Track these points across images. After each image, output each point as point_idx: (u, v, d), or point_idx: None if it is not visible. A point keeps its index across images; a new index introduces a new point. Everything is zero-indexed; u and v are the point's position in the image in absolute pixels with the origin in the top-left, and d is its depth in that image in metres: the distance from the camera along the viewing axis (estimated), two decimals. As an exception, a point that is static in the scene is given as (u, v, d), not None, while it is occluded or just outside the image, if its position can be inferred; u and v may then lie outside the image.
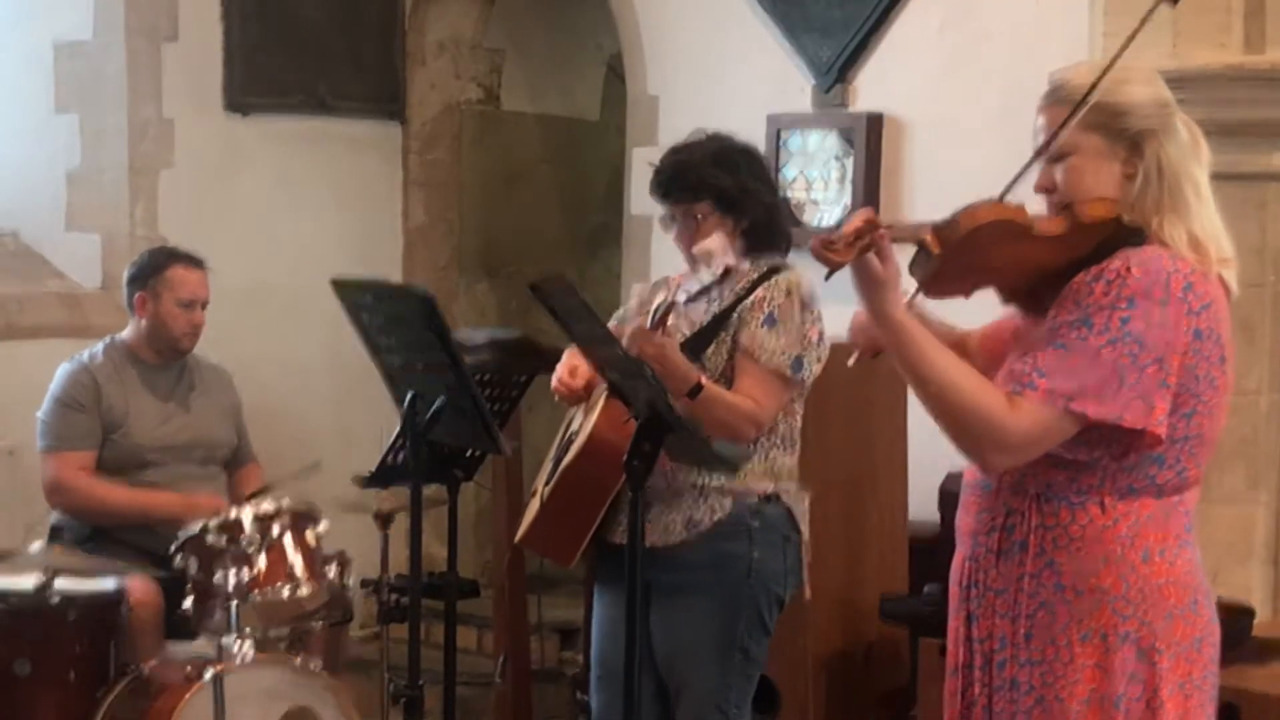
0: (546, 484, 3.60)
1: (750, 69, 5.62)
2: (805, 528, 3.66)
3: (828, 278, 2.47)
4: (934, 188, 5.17)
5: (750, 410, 3.47)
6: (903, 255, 2.50)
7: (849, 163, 5.34)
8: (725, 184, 3.61)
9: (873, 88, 5.37)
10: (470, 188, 6.86)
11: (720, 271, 3.47)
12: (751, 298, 3.54)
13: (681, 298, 3.57)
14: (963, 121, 5.13)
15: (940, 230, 2.45)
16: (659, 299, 3.70)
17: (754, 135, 5.39)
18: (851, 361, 2.79)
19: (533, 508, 3.68)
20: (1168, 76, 4.29)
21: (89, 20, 5.87)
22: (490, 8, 6.83)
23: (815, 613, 4.52)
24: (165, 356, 4.83)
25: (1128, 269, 2.44)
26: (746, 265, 3.59)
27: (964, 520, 2.67)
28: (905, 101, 5.29)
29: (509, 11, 6.87)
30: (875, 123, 5.31)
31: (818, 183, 5.43)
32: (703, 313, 3.60)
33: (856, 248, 2.42)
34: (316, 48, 6.28)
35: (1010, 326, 2.74)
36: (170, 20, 5.91)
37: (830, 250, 2.41)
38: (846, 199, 5.34)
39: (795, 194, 5.48)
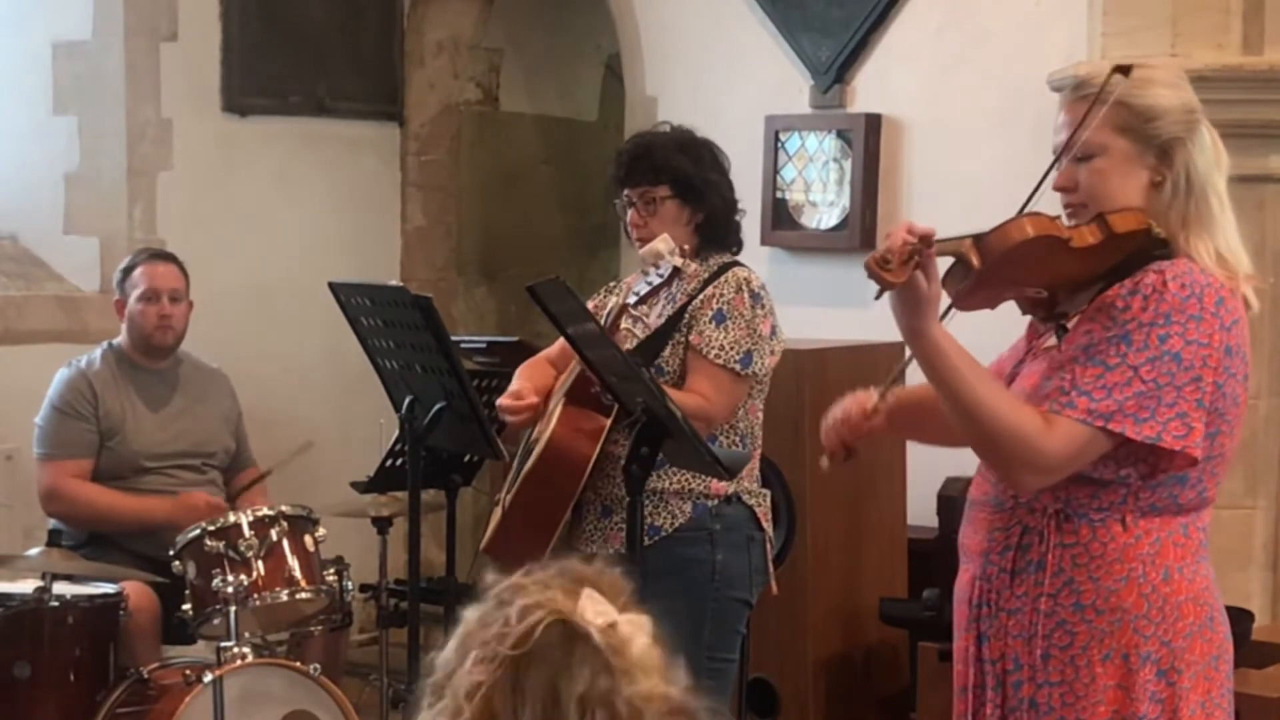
0: (508, 492, 3.58)
1: (748, 69, 5.61)
2: (769, 526, 3.65)
3: (878, 297, 2.39)
4: (933, 189, 5.17)
5: (698, 406, 3.42)
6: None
7: (847, 164, 5.33)
8: (688, 169, 3.61)
9: (871, 88, 5.36)
10: (469, 189, 6.85)
11: (667, 273, 3.44)
12: (701, 296, 3.53)
13: (632, 300, 3.55)
14: (962, 122, 5.12)
15: (982, 244, 2.40)
16: (612, 302, 3.69)
17: (752, 136, 5.44)
18: (825, 465, 2.72)
19: (495, 516, 3.66)
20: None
21: (88, 20, 5.85)
22: (489, 8, 6.82)
23: (814, 615, 4.53)
24: (149, 356, 4.81)
25: (1164, 284, 2.39)
26: (694, 267, 3.57)
27: (972, 539, 2.60)
28: (904, 102, 5.28)
29: (507, 11, 6.86)
30: (874, 123, 5.31)
31: (816, 184, 5.42)
32: (656, 314, 3.59)
33: (910, 266, 2.34)
34: (315, 48, 6.27)
35: (1008, 365, 2.69)
36: (169, 20, 5.90)
37: (885, 270, 2.32)
38: (845, 200, 5.33)
39: (793, 195, 5.47)
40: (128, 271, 4.83)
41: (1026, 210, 2.45)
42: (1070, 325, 2.52)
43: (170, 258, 4.90)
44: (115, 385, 4.73)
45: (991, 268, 2.40)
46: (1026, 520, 2.50)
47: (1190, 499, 2.47)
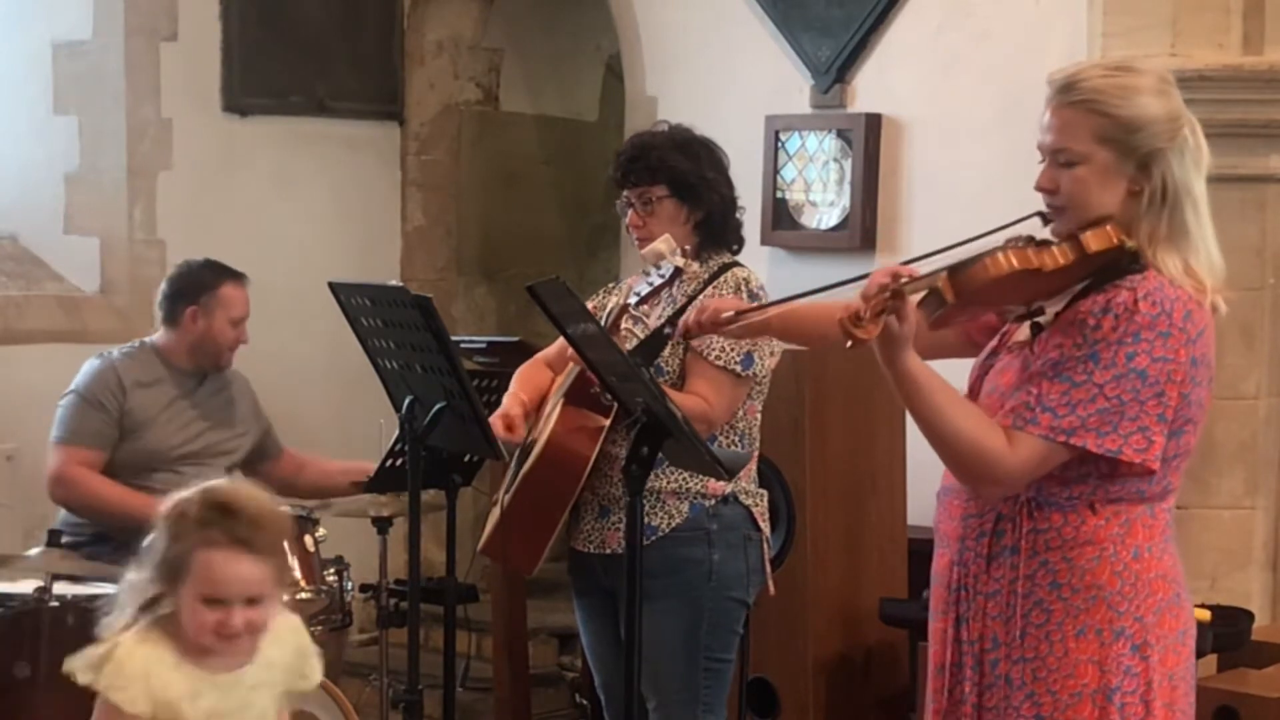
0: (506, 492, 3.58)
1: (749, 69, 5.61)
2: (766, 526, 3.65)
3: (851, 349, 2.48)
4: (933, 188, 5.17)
5: (700, 409, 3.43)
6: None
7: (847, 164, 5.33)
8: (684, 168, 3.61)
9: (871, 88, 5.36)
10: (469, 189, 6.85)
11: (669, 273, 3.45)
12: (701, 297, 3.52)
13: (633, 300, 3.56)
14: (961, 122, 5.12)
15: (957, 280, 2.47)
16: (612, 303, 3.69)
17: (752, 136, 5.43)
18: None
19: (493, 516, 3.66)
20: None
21: (88, 20, 5.86)
22: (489, 7, 6.83)
23: (815, 615, 4.53)
24: (206, 369, 4.78)
25: (1135, 302, 2.47)
26: (696, 266, 3.57)
27: (947, 524, 2.73)
28: (904, 102, 5.28)
29: (508, 11, 6.86)
30: (874, 123, 5.31)
31: (816, 184, 5.42)
32: (656, 315, 3.58)
33: (881, 321, 2.44)
34: (315, 48, 6.28)
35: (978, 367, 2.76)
36: (169, 20, 5.91)
37: (858, 328, 2.43)
38: (845, 200, 5.33)
39: (793, 195, 5.47)
40: (210, 287, 4.73)
41: (1006, 242, 2.50)
42: (1045, 322, 2.59)
43: (245, 278, 4.82)
44: (148, 385, 4.65)
45: (967, 301, 2.49)
46: (1000, 508, 2.61)
47: (1155, 491, 2.58)
